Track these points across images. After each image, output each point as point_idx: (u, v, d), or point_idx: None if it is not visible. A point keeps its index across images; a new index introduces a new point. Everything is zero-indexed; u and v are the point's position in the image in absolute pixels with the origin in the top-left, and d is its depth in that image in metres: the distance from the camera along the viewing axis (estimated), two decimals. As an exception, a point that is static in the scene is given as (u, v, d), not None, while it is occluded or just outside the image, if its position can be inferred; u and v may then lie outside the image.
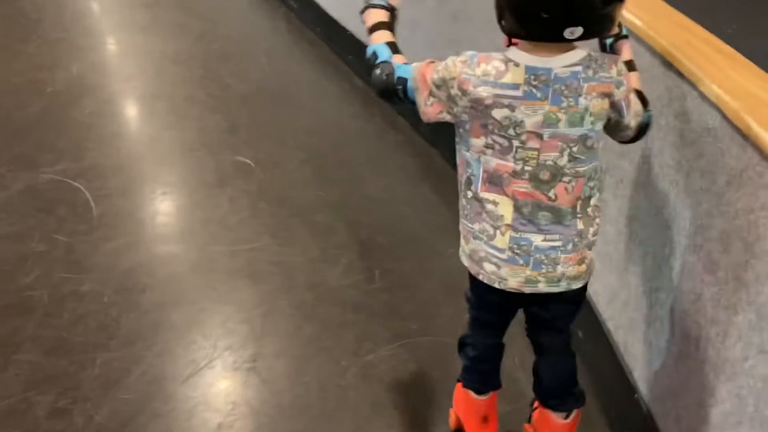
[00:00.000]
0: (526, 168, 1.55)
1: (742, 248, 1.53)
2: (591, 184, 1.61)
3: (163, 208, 3.30)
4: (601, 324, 2.28)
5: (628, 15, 1.87)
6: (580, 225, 1.63)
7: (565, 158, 1.55)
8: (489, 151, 1.56)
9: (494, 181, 1.59)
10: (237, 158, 3.50)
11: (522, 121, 1.50)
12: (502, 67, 1.49)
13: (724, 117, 1.56)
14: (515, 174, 1.56)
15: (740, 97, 1.54)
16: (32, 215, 3.10)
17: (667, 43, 1.79)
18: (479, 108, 1.52)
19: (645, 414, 2.02)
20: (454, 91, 1.53)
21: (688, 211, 1.75)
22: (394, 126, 3.76)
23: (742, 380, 1.53)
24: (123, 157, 3.57)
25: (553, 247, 1.63)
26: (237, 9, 5.34)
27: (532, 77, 1.48)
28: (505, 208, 1.61)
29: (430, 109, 1.60)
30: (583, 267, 1.68)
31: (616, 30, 1.64)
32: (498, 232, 1.63)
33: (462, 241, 1.74)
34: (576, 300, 1.79)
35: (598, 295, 2.29)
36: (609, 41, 1.67)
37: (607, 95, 1.53)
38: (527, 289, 1.68)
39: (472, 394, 2.00)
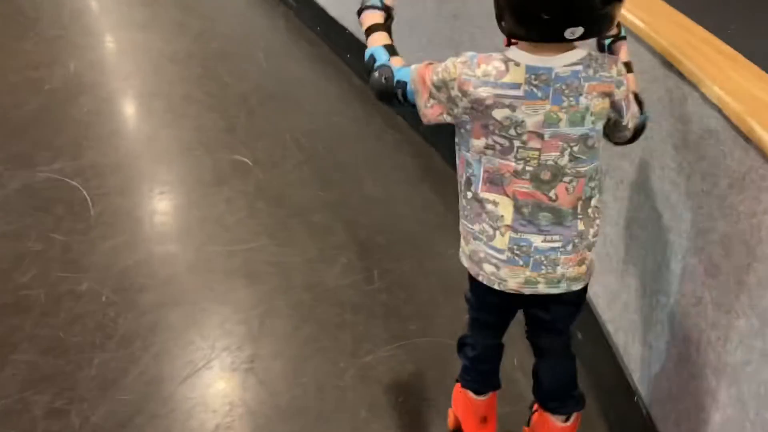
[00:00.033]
0: (527, 168, 1.55)
1: (744, 252, 1.52)
2: (592, 184, 1.61)
3: (161, 207, 3.29)
4: (601, 326, 2.27)
5: (628, 16, 1.87)
6: (580, 226, 1.63)
7: (566, 158, 1.54)
8: (489, 152, 1.56)
9: (495, 181, 1.59)
10: (235, 157, 3.49)
11: (523, 121, 1.50)
12: (503, 67, 1.49)
13: (727, 119, 1.55)
14: (516, 174, 1.56)
15: (742, 99, 1.53)
16: (29, 214, 3.09)
17: (668, 44, 1.78)
18: (480, 108, 1.51)
19: (645, 417, 2.01)
20: (455, 93, 1.53)
21: (690, 213, 1.74)
22: (393, 126, 3.75)
23: (744, 385, 1.52)
24: (121, 155, 3.56)
25: (553, 248, 1.63)
26: (236, 7, 5.33)
27: (533, 77, 1.48)
28: (505, 209, 1.60)
29: (430, 111, 1.59)
30: (583, 268, 1.68)
31: (614, 31, 1.63)
32: (498, 232, 1.62)
33: (462, 242, 1.73)
34: (576, 302, 1.78)
35: (598, 296, 2.28)
36: (607, 42, 1.67)
37: (608, 95, 1.53)
38: (527, 291, 1.67)
39: (471, 394, 2.00)
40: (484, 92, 1.49)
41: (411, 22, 3.38)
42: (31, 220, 3.05)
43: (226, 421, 2.24)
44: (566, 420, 1.93)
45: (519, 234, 1.61)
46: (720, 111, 1.57)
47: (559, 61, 1.48)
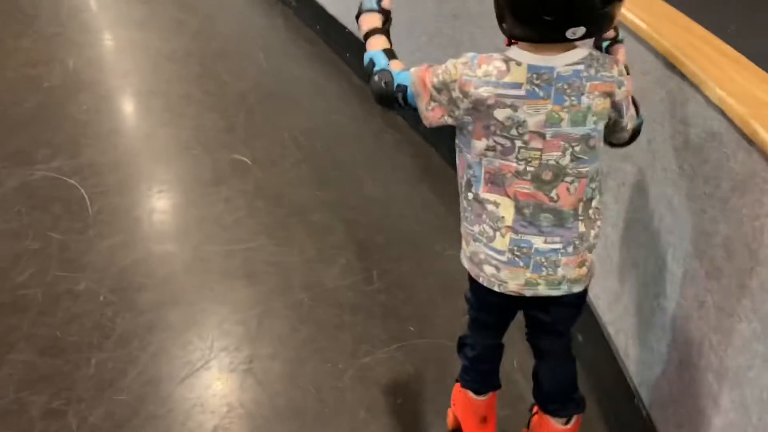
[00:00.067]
0: (529, 168, 1.55)
1: (746, 255, 1.51)
2: (593, 185, 1.62)
3: (160, 206, 3.27)
4: (602, 328, 2.26)
5: (631, 17, 1.86)
6: (581, 227, 1.63)
7: (568, 158, 1.54)
8: (490, 154, 1.56)
9: (496, 181, 1.58)
10: (234, 156, 3.48)
11: (524, 121, 1.50)
12: (504, 67, 1.48)
13: (729, 121, 1.54)
14: (518, 174, 1.55)
15: (745, 101, 1.52)
16: (27, 212, 3.08)
17: (670, 45, 1.77)
18: (481, 109, 1.51)
19: (645, 419, 2.01)
20: (456, 94, 1.52)
21: (692, 216, 1.74)
22: (393, 125, 3.74)
23: (747, 389, 1.51)
24: (119, 154, 3.55)
25: (554, 250, 1.62)
26: (234, 6, 5.31)
27: (535, 76, 1.48)
28: (506, 210, 1.60)
29: (431, 114, 1.58)
30: (584, 270, 1.67)
31: (612, 34, 1.63)
32: (498, 233, 1.62)
33: (463, 243, 1.73)
34: (576, 304, 1.78)
35: (599, 298, 2.27)
36: (605, 45, 1.66)
37: (609, 94, 1.53)
38: (527, 292, 1.67)
39: (470, 394, 2.00)
40: (485, 92, 1.49)
41: (411, 22, 3.38)
42: (28, 219, 3.03)
43: (224, 423, 2.23)
44: (566, 423, 1.92)
45: (520, 235, 1.61)
46: (723, 113, 1.56)
47: (561, 61, 1.48)
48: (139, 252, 2.91)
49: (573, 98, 1.49)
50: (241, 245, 2.94)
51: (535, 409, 2.03)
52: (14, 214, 3.07)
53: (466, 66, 1.51)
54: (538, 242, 1.61)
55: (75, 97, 3.97)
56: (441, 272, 2.79)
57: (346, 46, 4.23)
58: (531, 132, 1.51)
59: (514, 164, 1.54)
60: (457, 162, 1.66)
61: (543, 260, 1.63)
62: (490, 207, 1.61)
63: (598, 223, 1.66)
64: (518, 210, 1.59)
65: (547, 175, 1.55)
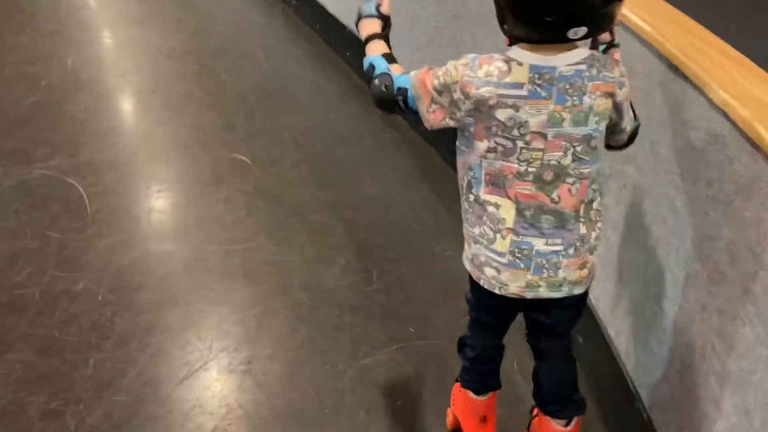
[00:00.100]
0: (530, 169, 1.54)
1: (750, 259, 1.50)
2: (594, 186, 1.61)
3: (159, 205, 3.26)
4: (603, 330, 2.26)
5: (634, 19, 1.85)
6: (582, 229, 1.62)
7: (569, 158, 1.54)
8: (491, 155, 1.55)
9: (497, 183, 1.58)
10: (233, 156, 3.47)
11: (526, 122, 1.49)
12: (505, 67, 1.48)
13: (733, 124, 1.53)
14: (519, 175, 1.55)
15: (749, 103, 1.51)
16: (25, 211, 3.06)
17: (673, 47, 1.76)
18: (483, 110, 1.50)
19: (645, 422, 2.00)
20: (457, 95, 1.52)
21: (694, 219, 1.73)
22: (393, 125, 3.73)
23: (750, 394, 1.51)
24: (118, 152, 3.54)
25: (555, 252, 1.62)
26: (234, 4, 5.30)
27: (536, 76, 1.47)
28: (507, 212, 1.59)
29: (432, 116, 1.58)
30: (585, 272, 1.67)
31: (608, 37, 1.63)
32: (498, 235, 1.61)
33: (465, 245, 1.72)
34: (577, 306, 1.78)
35: (600, 300, 2.26)
36: (601, 48, 1.66)
37: (610, 95, 1.53)
38: (528, 294, 1.66)
39: (470, 394, 2.00)
40: (486, 93, 1.48)
41: (411, 22, 3.36)
42: (26, 218, 3.02)
43: (223, 424, 2.22)
44: (566, 424, 1.92)
45: (520, 237, 1.61)
46: (726, 115, 1.55)
47: (562, 60, 1.48)
48: (138, 251, 2.90)
49: (575, 98, 1.49)
50: (241, 245, 2.93)
51: (536, 411, 2.02)
52: (12, 213, 3.05)
53: (467, 67, 1.50)
54: (539, 244, 1.61)
55: (73, 95, 3.96)
56: (441, 273, 2.78)
57: (346, 45, 4.22)
58: (533, 132, 1.50)
59: (516, 165, 1.54)
60: (458, 164, 1.66)
61: (544, 262, 1.62)
62: (490, 209, 1.60)
63: (599, 224, 1.66)
64: (519, 212, 1.59)
65: (548, 176, 1.55)
